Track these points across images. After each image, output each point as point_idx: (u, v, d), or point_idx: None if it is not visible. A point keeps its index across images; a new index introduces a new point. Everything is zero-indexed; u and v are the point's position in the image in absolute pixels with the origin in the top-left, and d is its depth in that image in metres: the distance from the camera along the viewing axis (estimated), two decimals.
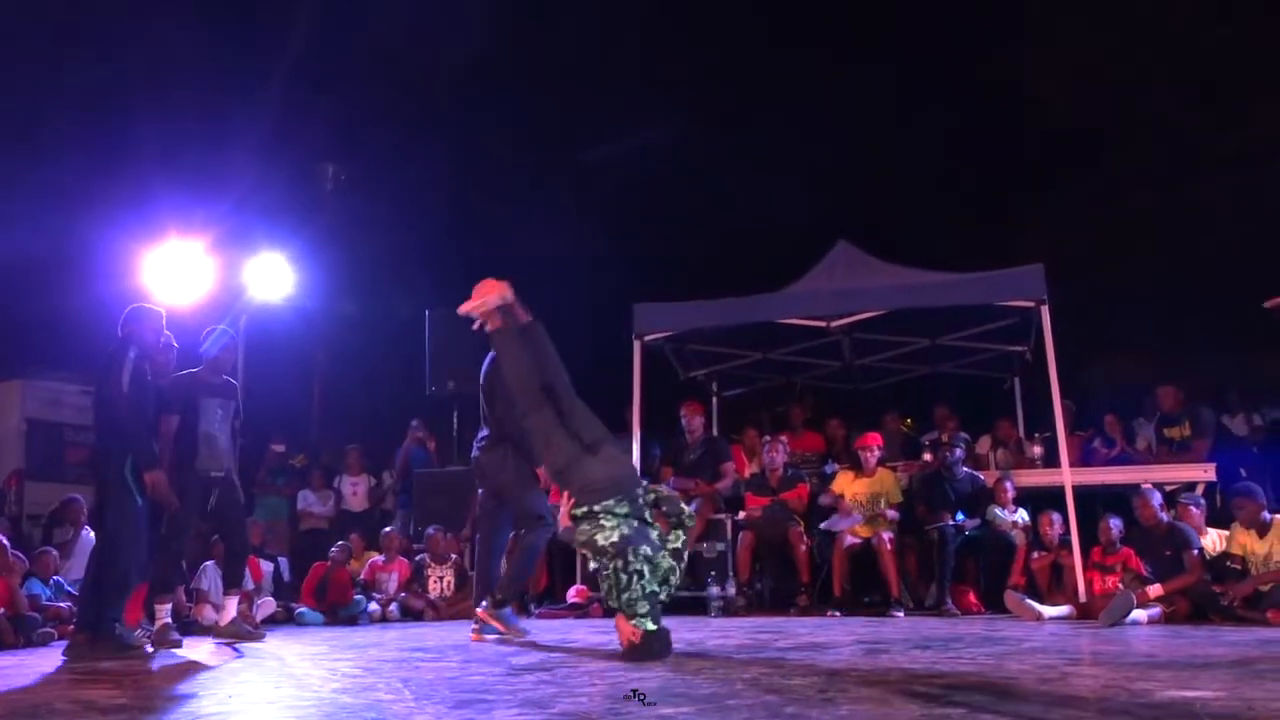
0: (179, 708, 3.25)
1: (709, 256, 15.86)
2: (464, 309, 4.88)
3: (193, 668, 4.61)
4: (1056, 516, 7.18)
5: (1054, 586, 7.17)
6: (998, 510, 7.64)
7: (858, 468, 8.02)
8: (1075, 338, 8.23)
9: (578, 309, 11.59)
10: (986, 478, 8.09)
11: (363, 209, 15.31)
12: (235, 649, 5.50)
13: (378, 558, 8.71)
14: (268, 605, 7.86)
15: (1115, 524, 6.86)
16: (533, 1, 17.32)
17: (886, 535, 7.50)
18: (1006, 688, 3.14)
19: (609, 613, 4.33)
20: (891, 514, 7.69)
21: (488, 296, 4.77)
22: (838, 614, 7.30)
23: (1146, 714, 2.56)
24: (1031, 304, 7.52)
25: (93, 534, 6.97)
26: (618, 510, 4.22)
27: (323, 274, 13.30)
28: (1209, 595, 6.21)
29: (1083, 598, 6.71)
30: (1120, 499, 7.25)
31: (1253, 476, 7.06)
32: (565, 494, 4.46)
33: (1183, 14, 14.25)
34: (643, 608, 4.09)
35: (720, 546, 7.88)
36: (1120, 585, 6.45)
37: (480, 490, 5.90)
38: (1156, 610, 6.17)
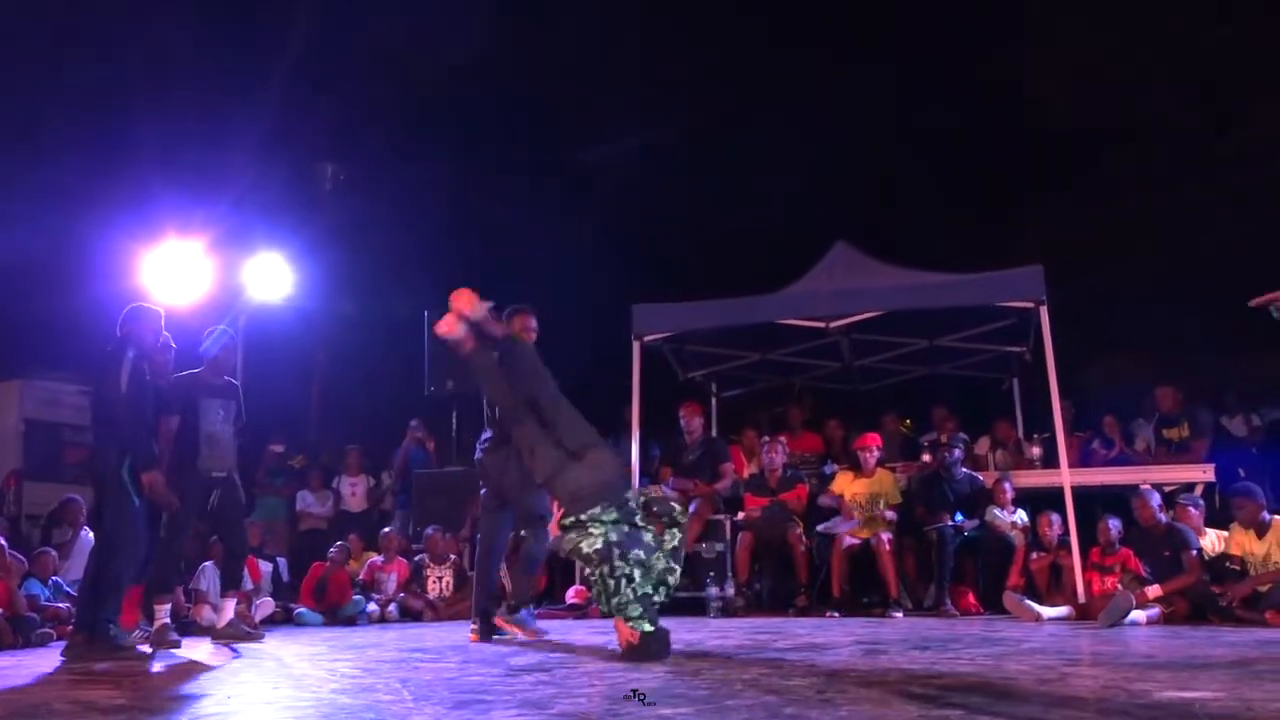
0: (178, 708, 3.25)
1: (708, 257, 15.86)
2: (439, 333, 4.85)
3: (191, 668, 4.61)
4: (1055, 517, 7.18)
5: (1053, 587, 7.17)
6: (997, 511, 7.64)
7: (857, 468, 8.02)
8: (1074, 338, 8.22)
9: (577, 309, 11.61)
10: (985, 478, 8.09)
11: (362, 209, 15.32)
12: (234, 649, 5.50)
13: (376, 558, 8.72)
14: (266, 606, 7.85)
15: (1114, 525, 6.86)
16: (532, 1, 17.33)
17: (885, 536, 7.49)
18: (1005, 688, 3.14)
19: (607, 614, 4.32)
20: (889, 515, 7.69)
21: (452, 326, 4.71)
22: (836, 615, 7.30)
23: (1145, 714, 2.56)
24: (1030, 305, 7.52)
25: (92, 534, 6.96)
26: (605, 518, 4.19)
27: (322, 274, 13.30)
28: (1208, 596, 6.21)
29: (1082, 598, 6.71)
30: (1119, 500, 7.25)
31: (1251, 477, 7.06)
32: (555, 503, 4.47)
33: (1183, 14, 14.25)
34: (635, 610, 4.08)
35: (719, 547, 7.88)
36: (1119, 586, 6.46)
37: (483, 490, 5.91)
38: (1155, 611, 6.18)
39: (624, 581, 4.08)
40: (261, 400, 6.45)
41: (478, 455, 5.84)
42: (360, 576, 8.55)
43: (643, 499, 4.45)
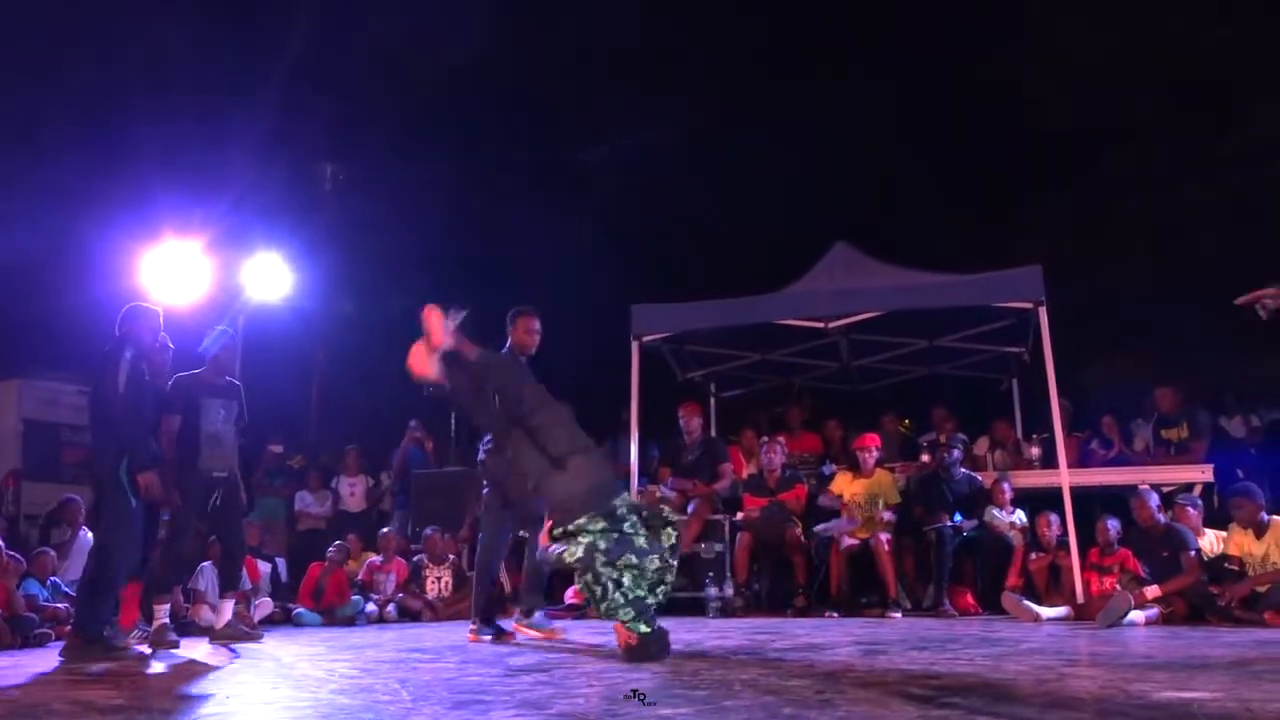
0: (176, 708, 3.25)
1: (708, 257, 15.87)
2: (413, 374, 4.76)
3: (190, 668, 4.60)
4: (1054, 517, 7.17)
5: (1051, 587, 7.17)
6: (995, 511, 7.65)
7: (856, 469, 8.02)
8: (1073, 339, 8.22)
9: (577, 309, 11.60)
10: (984, 479, 8.09)
11: (361, 209, 15.32)
12: (232, 650, 5.50)
13: (375, 558, 8.72)
14: (265, 606, 7.85)
15: (1113, 525, 6.86)
16: (532, 1, 17.33)
17: (884, 536, 7.50)
18: (1004, 689, 3.14)
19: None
20: (887, 515, 7.69)
21: (426, 368, 4.64)
22: (835, 615, 7.30)
23: (1144, 715, 2.56)
24: (1029, 305, 7.52)
25: (90, 534, 6.96)
26: (592, 527, 4.17)
27: (321, 274, 13.31)
28: (1206, 596, 6.21)
29: (1080, 599, 6.71)
30: (1118, 500, 7.25)
31: (1250, 477, 7.05)
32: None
33: (1183, 14, 14.26)
34: (627, 614, 4.08)
35: (718, 547, 7.88)
36: (1118, 586, 6.45)
37: (486, 490, 5.91)
38: (1154, 611, 6.18)
39: (611, 587, 4.07)
40: (260, 400, 6.44)
41: (480, 457, 5.86)
42: (359, 577, 8.55)
43: (631, 508, 4.39)
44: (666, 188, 17.36)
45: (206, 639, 6.12)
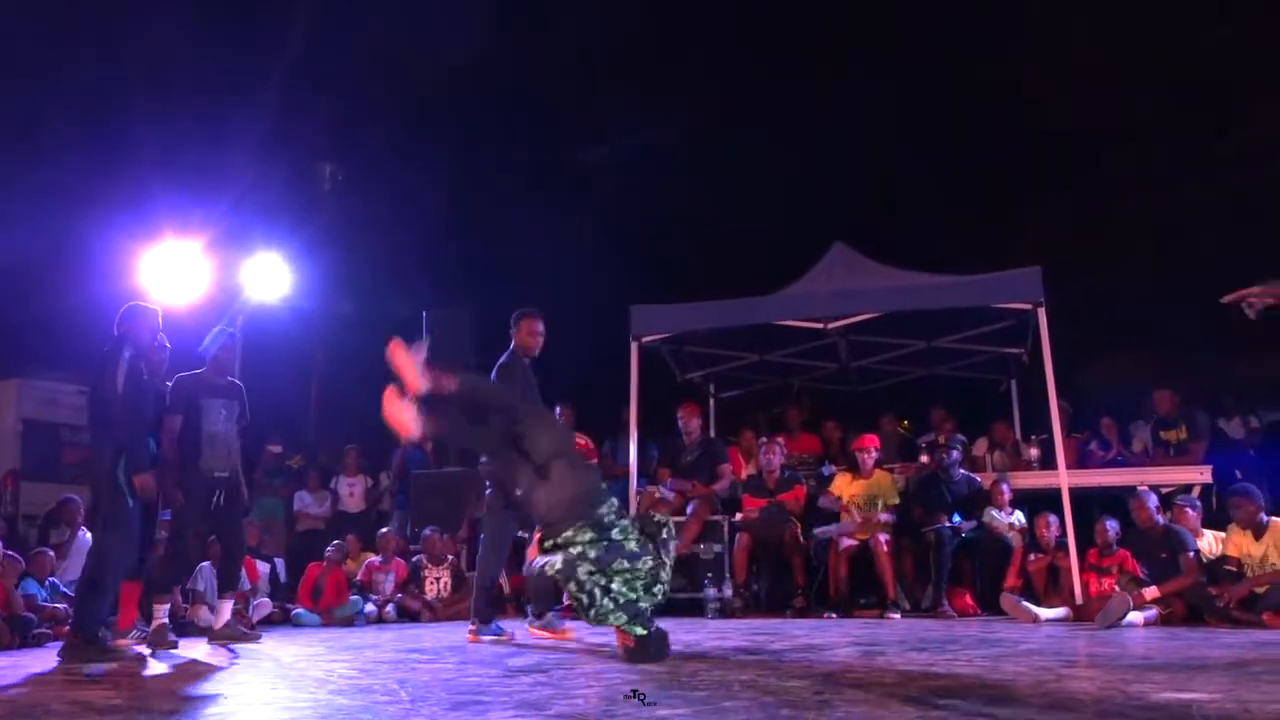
0: (175, 709, 3.25)
1: (708, 257, 15.87)
2: (402, 433, 4.58)
3: (188, 669, 4.61)
4: (1053, 518, 7.17)
5: (1050, 588, 7.17)
6: (994, 512, 7.64)
7: (855, 470, 8.02)
8: (1072, 340, 8.22)
9: (577, 309, 11.60)
10: (983, 480, 8.09)
11: (360, 209, 15.33)
12: (231, 650, 5.50)
13: (374, 558, 8.71)
14: (264, 606, 7.86)
15: (1112, 526, 6.86)
16: (532, 2, 17.33)
17: (883, 537, 7.50)
18: (1003, 690, 3.14)
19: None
20: (884, 516, 7.69)
21: (408, 427, 4.40)
22: (834, 615, 7.30)
23: (1142, 716, 2.56)
24: (1028, 306, 7.53)
25: (89, 535, 6.96)
26: (580, 538, 4.14)
27: (320, 274, 13.31)
28: (1205, 597, 6.21)
29: (1079, 600, 6.71)
30: (1117, 501, 7.26)
31: (1249, 478, 7.06)
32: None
33: (1183, 14, 14.26)
34: (619, 619, 4.07)
35: (717, 548, 7.87)
36: (1116, 587, 6.45)
37: (489, 490, 5.92)
38: (1153, 612, 6.18)
39: (599, 594, 4.05)
40: (259, 400, 6.45)
41: (482, 460, 5.87)
42: (358, 577, 8.55)
43: (616, 504, 4.35)
44: (666, 188, 17.37)
45: (205, 639, 6.13)
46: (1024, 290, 7.48)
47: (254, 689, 3.75)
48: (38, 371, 12.14)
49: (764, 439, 8.55)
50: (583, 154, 17.11)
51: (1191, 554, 6.37)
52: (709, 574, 7.70)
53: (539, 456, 4.31)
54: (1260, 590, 6.03)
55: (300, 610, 8.07)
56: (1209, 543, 6.69)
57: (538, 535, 4.38)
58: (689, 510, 7.99)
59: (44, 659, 5.10)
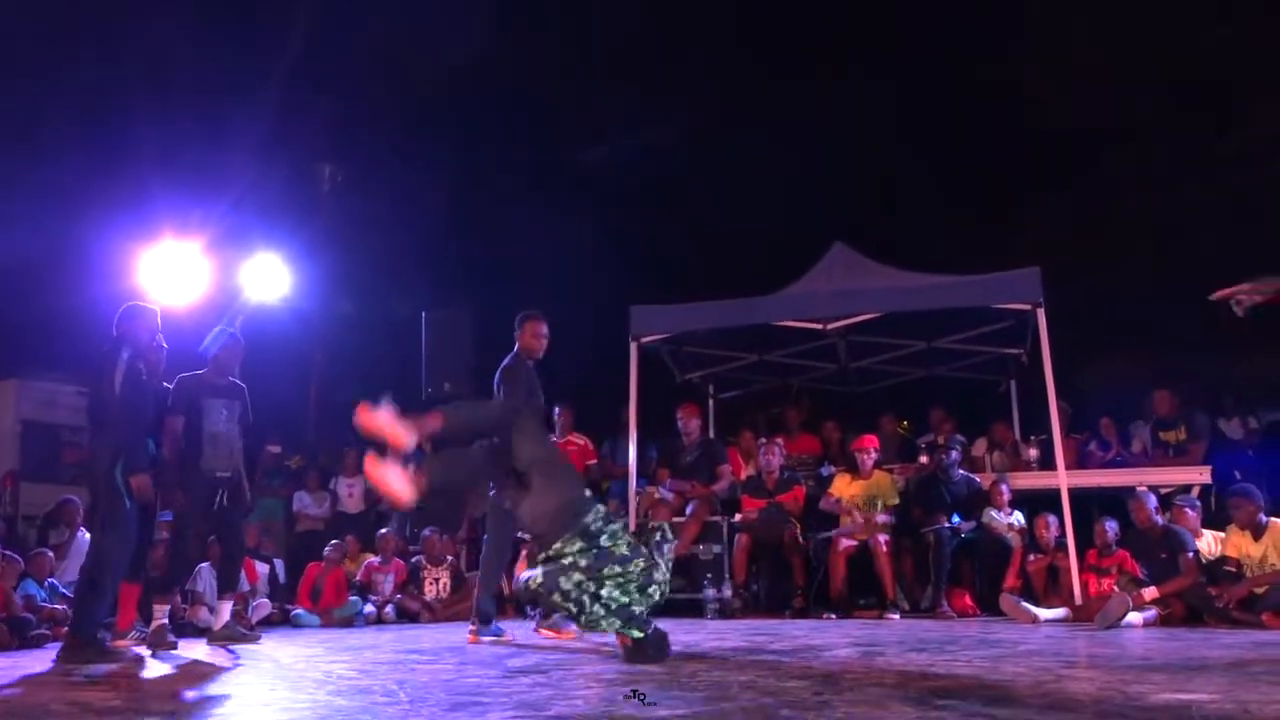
0: (174, 710, 3.25)
1: (707, 257, 15.86)
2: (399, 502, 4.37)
3: (188, 670, 4.60)
4: (1052, 519, 7.18)
5: (1050, 589, 7.17)
6: (993, 513, 7.65)
7: (854, 470, 8.02)
8: (1071, 340, 8.22)
9: (576, 310, 11.59)
10: (982, 480, 8.10)
11: (360, 209, 15.31)
12: (230, 651, 5.49)
13: (374, 559, 8.72)
14: (263, 607, 7.86)
15: (1111, 527, 6.86)
16: (532, 2, 17.33)
17: (883, 538, 7.50)
18: (1002, 690, 3.13)
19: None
20: (881, 518, 7.69)
21: (402, 494, 4.15)
22: (833, 616, 7.31)
23: (1142, 717, 2.56)
24: (1027, 307, 7.53)
25: (88, 535, 6.96)
26: (569, 549, 4.10)
27: (319, 275, 13.30)
28: (1204, 598, 6.21)
29: (1078, 600, 6.72)
30: (1116, 502, 7.27)
31: (1248, 479, 7.07)
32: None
33: (1183, 14, 14.25)
34: (612, 624, 4.05)
35: (716, 549, 7.88)
36: (1116, 588, 6.46)
37: (493, 492, 5.92)
38: (1152, 613, 6.18)
39: (588, 601, 4.02)
40: (259, 401, 6.45)
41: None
42: (357, 578, 8.55)
43: (603, 510, 4.27)
44: (666, 188, 17.35)
45: (204, 640, 6.13)
46: (1023, 291, 7.48)
47: (253, 690, 3.75)
48: (37, 372, 12.14)
49: (763, 439, 8.56)
50: (583, 154, 17.10)
51: (1191, 554, 6.37)
52: (708, 575, 7.70)
53: (519, 463, 4.23)
54: (1259, 591, 6.04)
55: (299, 611, 8.07)
56: (1208, 543, 6.69)
57: (526, 550, 4.36)
58: (688, 511, 8.00)
59: (43, 660, 5.10)
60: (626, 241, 16.40)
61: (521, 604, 7.52)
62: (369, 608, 8.16)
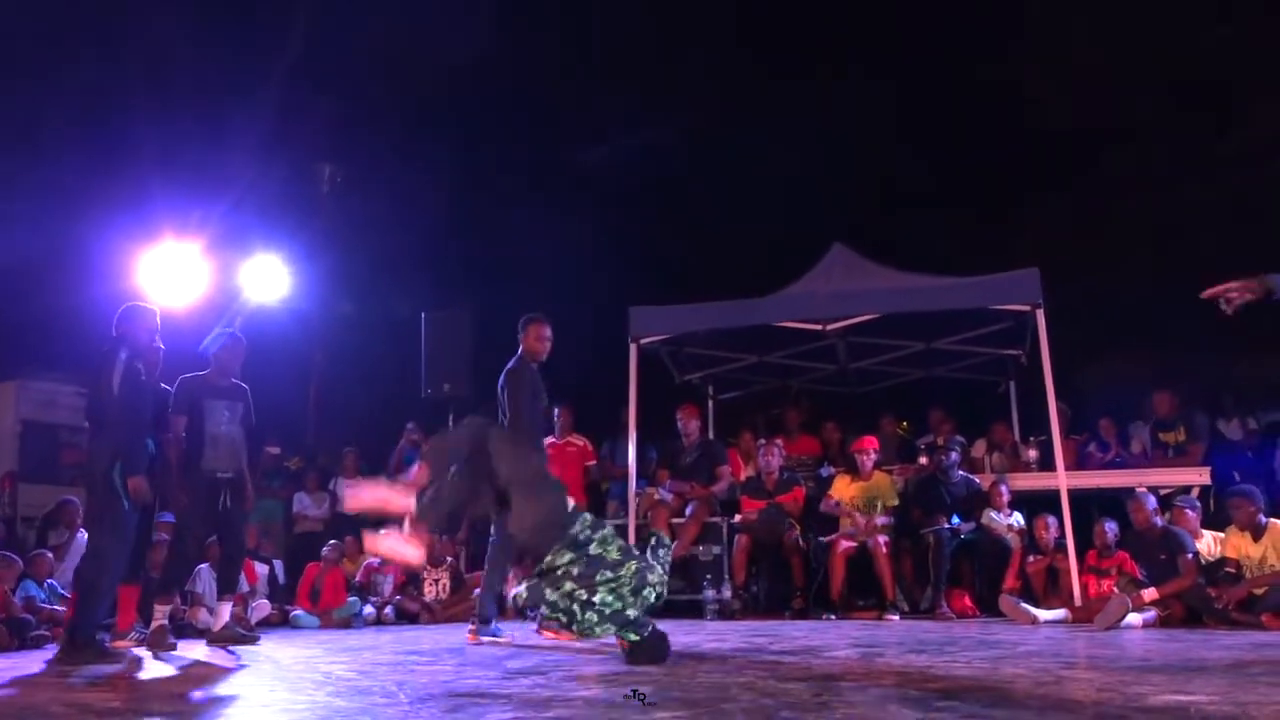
0: (173, 711, 3.25)
1: (707, 258, 15.85)
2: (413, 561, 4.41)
3: (187, 671, 4.60)
4: (1052, 520, 7.18)
5: (1049, 590, 7.17)
6: (993, 514, 7.65)
7: (854, 471, 8.02)
8: (1070, 340, 8.23)
9: (576, 310, 11.59)
10: (982, 481, 8.10)
11: (359, 210, 15.30)
12: (230, 652, 5.49)
13: (373, 560, 8.70)
14: (262, 608, 7.86)
15: (1110, 528, 6.86)
16: (531, 2, 17.32)
17: (882, 539, 7.50)
18: (1001, 691, 3.13)
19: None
20: (882, 519, 7.69)
21: (397, 549, 4.23)
22: (833, 617, 7.31)
23: (1141, 718, 2.56)
24: (1027, 308, 7.53)
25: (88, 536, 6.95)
26: (559, 561, 4.10)
27: (319, 275, 13.30)
28: (1204, 599, 6.21)
29: (1078, 601, 6.72)
30: (1115, 503, 7.27)
31: (1247, 480, 7.07)
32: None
33: (1183, 14, 14.24)
34: (606, 629, 4.04)
35: (716, 550, 7.88)
36: (1115, 589, 6.46)
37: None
38: (1151, 614, 6.18)
39: (578, 610, 4.00)
40: (258, 402, 6.46)
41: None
42: (356, 579, 8.55)
43: (588, 519, 4.26)
44: (666, 188, 17.35)
45: (204, 641, 6.12)
46: (1022, 292, 7.49)
47: (253, 691, 3.75)
48: (36, 373, 12.13)
49: (763, 440, 8.56)
50: (583, 154, 17.09)
51: (1190, 556, 6.37)
52: (708, 575, 7.70)
53: (498, 481, 4.24)
54: (1259, 592, 6.04)
55: (299, 612, 8.07)
56: (1208, 544, 6.69)
57: (517, 568, 4.34)
58: (688, 512, 8.00)
59: (42, 661, 5.10)
60: (626, 241, 16.40)
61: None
62: (368, 609, 8.16)
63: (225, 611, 6.22)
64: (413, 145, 17.38)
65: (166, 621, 5.82)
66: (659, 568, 4.24)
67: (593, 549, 4.12)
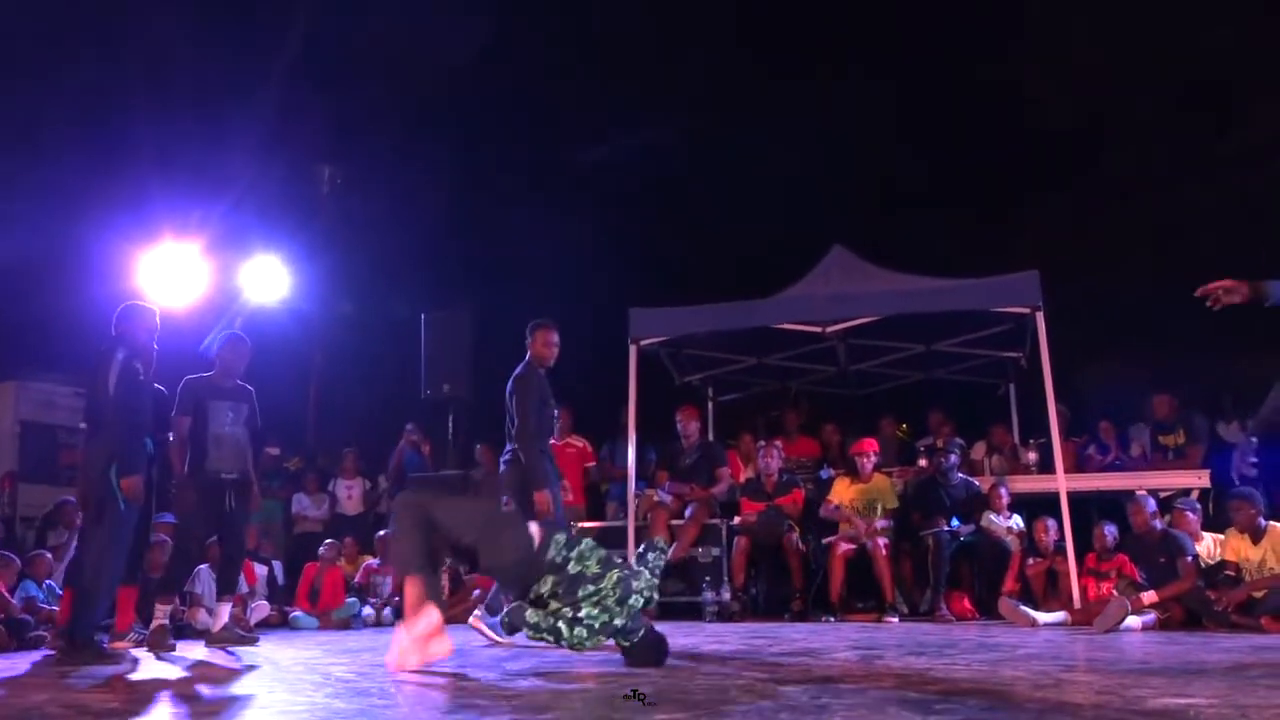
0: (171, 712, 3.24)
1: (707, 258, 15.86)
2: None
3: (186, 672, 4.60)
4: (1051, 522, 7.18)
5: (1049, 592, 7.17)
6: (992, 516, 7.65)
7: (853, 474, 8.02)
8: (1070, 342, 8.23)
9: (575, 311, 11.58)
10: (981, 483, 8.10)
11: (359, 211, 15.29)
12: (229, 653, 5.49)
13: (372, 561, 8.71)
14: (262, 609, 7.86)
15: (1110, 530, 6.86)
16: (531, 2, 17.32)
17: (881, 541, 7.50)
18: (1001, 694, 3.13)
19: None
20: (881, 521, 7.69)
21: (432, 649, 4.31)
22: (832, 619, 7.31)
23: None
24: (1026, 310, 7.52)
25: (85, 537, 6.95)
26: (543, 589, 4.10)
27: (318, 276, 13.30)
28: (1203, 602, 6.21)
29: (1077, 604, 6.72)
30: (1115, 505, 7.27)
31: (1246, 483, 7.05)
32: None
33: (1183, 14, 14.24)
34: (596, 641, 4.04)
35: (715, 551, 7.87)
36: (1115, 592, 6.46)
37: (505, 500, 5.93)
38: (1151, 617, 6.18)
39: (564, 627, 4.00)
40: (258, 402, 6.46)
41: (501, 469, 5.94)
42: (356, 580, 8.55)
43: (563, 538, 4.24)
44: (666, 188, 17.35)
45: (203, 642, 6.12)
46: (1022, 294, 7.49)
47: (252, 692, 3.74)
48: (35, 373, 12.12)
49: (762, 442, 8.56)
50: (583, 154, 17.09)
51: (1189, 558, 6.37)
52: (707, 577, 7.70)
53: (463, 542, 4.29)
54: (1258, 595, 6.04)
55: (298, 613, 8.07)
56: (1208, 546, 6.69)
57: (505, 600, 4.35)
58: (687, 513, 7.99)
59: (41, 661, 5.09)
60: (626, 242, 16.40)
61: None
62: (367, 610, 8.16)
63: (224, 612, 6.22)
64: (412, 145, 17.39)
65: (167, 622, 5.82)
66: (646, 573, 4.23)
67: (571, 568, 4.12)
